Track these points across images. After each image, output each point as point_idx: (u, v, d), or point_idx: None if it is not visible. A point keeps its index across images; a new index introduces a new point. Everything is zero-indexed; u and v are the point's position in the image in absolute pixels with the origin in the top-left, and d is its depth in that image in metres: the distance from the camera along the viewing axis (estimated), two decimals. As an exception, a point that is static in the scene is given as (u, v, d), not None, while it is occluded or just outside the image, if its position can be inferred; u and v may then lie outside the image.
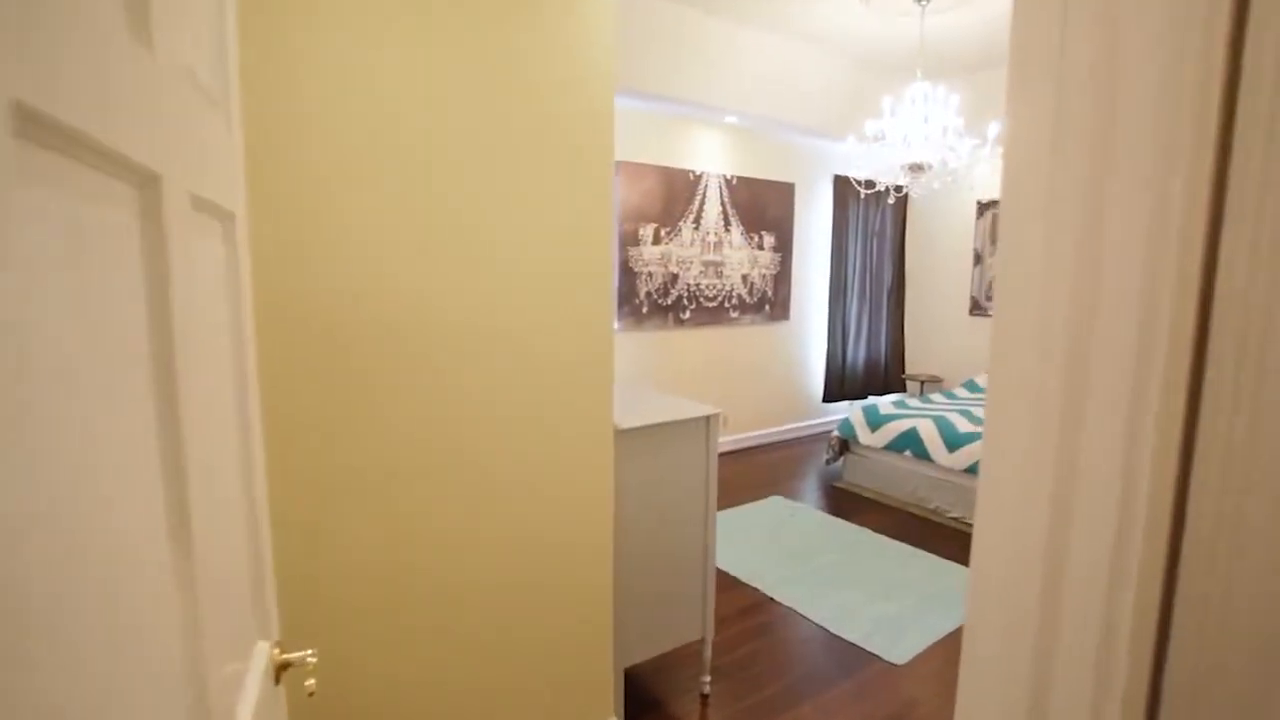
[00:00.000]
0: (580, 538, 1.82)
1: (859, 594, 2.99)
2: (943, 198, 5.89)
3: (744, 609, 2.88)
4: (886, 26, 4.07)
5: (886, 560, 3.35)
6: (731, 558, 3.33)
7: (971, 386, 5.24)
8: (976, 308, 5.74)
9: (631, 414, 2.00)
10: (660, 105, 4.38)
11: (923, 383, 5.98)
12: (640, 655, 2.12)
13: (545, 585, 1.77)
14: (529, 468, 1.69)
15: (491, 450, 1.63)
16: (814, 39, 4.35)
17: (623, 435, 1.91)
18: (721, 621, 2.74)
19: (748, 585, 3.08)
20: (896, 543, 3.57)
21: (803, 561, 3.32)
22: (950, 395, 5.04)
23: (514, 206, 1.60)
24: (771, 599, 2.96)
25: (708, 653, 2.32)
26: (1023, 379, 0.64)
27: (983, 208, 5.61)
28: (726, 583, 3.08)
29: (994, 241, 5.65)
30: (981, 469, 0.66)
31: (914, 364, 6.29)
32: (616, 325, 4.53)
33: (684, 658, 2.47)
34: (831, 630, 2.70)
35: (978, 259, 5.71)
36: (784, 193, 5.34)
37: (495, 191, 1.57)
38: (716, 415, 2.12)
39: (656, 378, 4.81)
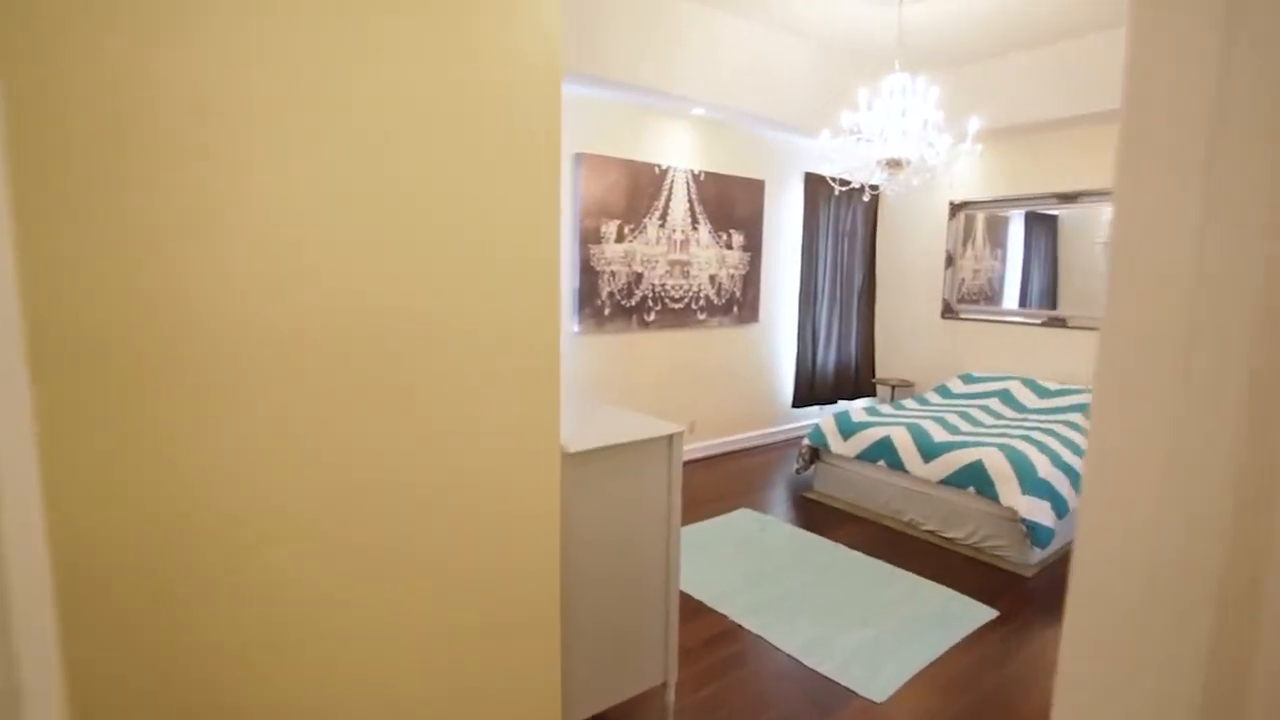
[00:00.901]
0: (522, 576, 1.57)
1: (833, 619, 2.79)
2: (915, 198, 5.76)
3: (710, 639, 2.65)
4: (863, 17, 3.89)
5: (861, 580, 3.15)
6: (697, 579, 3.10)
7: (944, 392, 5.11)
8: (948, 310, 5.61)
9: (584, 433, 1.75)
10: (624, 94, 4.13)
11: (894, 387, 5.84)
12: (593, 707, 1.87)
13: (481, 630, 1.51)
14: (461, 494, 1.43)
15: (416, 474, 1.36)
16: (788, 28, 4.15)
17: (573, 459, 1.66)
18: (686, 655, 2.50)
19: (714, 611, 2.85)
20: (871, 559, 3.38)
21: (773, 582, 3.10)
22: (923, 401, 4.89)
23: (442, 193, 1.34)
24: (740, 626, 2.73)
25: (670, 696, 2.08)
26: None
27: (955, 208, 5.49)
28: (692, 608, 2.85)
29: (966, 243, 5.54)
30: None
31: (885, 368, 6.16)
32: (576, 327, 4.27)
33: (643, 700, 2.22)
34: (805, 663, 2.48)
35: (950, 261, 5.58)
36: (754, 190, 5.13)
37: (420, 175, 1.30)
38: (679, 433, 1.88)
39: (620, 383, 4.56)
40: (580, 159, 4.14)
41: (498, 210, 1.42)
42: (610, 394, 4.51)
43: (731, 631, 2.71)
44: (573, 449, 1.63)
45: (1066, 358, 4.94)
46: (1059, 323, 4.96)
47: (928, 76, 3.43)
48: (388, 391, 1.30)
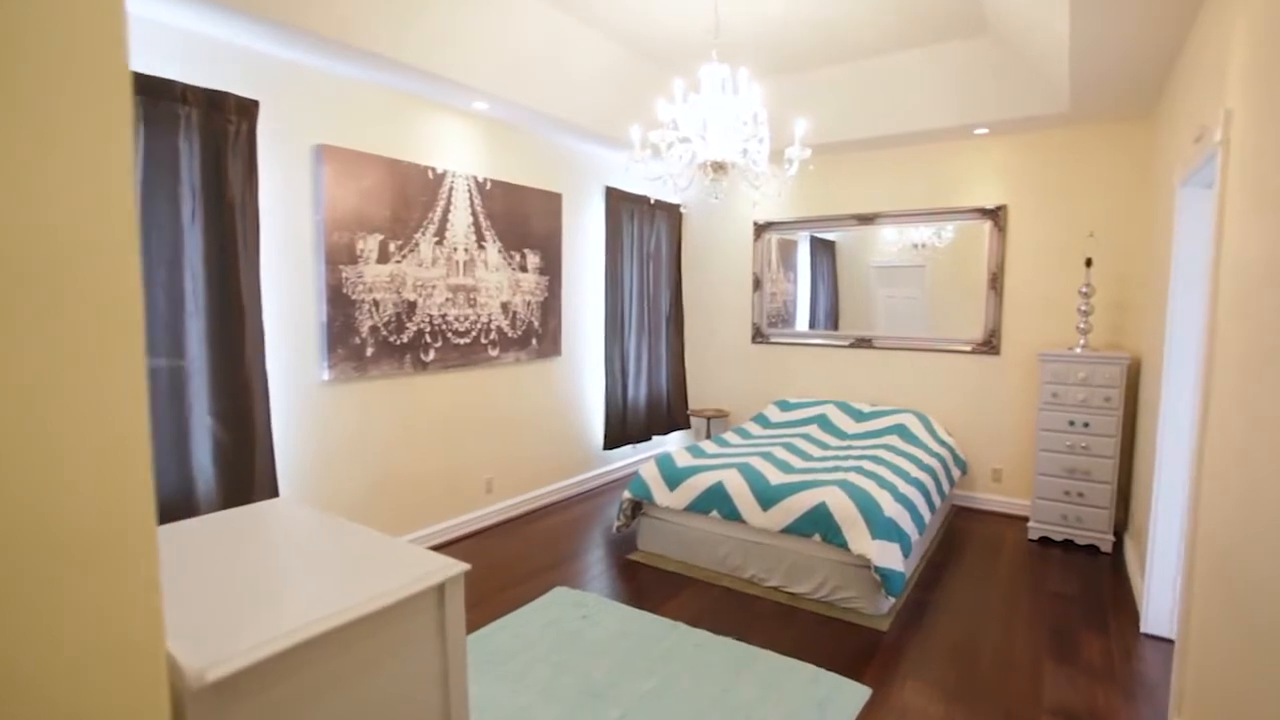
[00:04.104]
0: None
1: (689, 748, 2.12)
2: (718, 218, 5.50)
3: (528, 823, 1.84)
4: (676, 11, 3.41)
5: (711, 673, 2.54)
6: (507, 718, 2.27)
7: (763, 421, 4.80)
8: (759, 335, 5.38)
9: (258, 612, 0.88)
10: (384, 75, 3.24)
11: (709, 419, 5.47)
12: None
13: None
14: None
15: None
16: (592, 18, 3.55)
17: (226, 689, 0.78)
18: None
19: (532, 768, 2.04)
20: (717, 638, 2.79)
21: (608, 703, 2.36)
22: (744, 433, 4.52)
23: None
24: (569, 788, 1.96)
25: None
26: None
27: (760, 229, 5.29)
28: (499, 771, 2.01)
29: (773, 265, 5.38)
30: None
31: (698, 399, 5.79)
32: (325, 375, 3.22)
33: None
34: (663, 839, 1.78)
35: (757, 284, 5.36)
36: (551, 204, 4.46)
37: None
38: (457, 576, 1.08)
39: (391, 442, 3.57)
40: (323, 152, 3.14)
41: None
42: (377, 459, 3.50)
43: (557, 801, 1.92)
44: (212, 676, 0.76)
45: (874, 378, 4.89)
46: (866, 343, 4.90)
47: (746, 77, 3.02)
48: None
